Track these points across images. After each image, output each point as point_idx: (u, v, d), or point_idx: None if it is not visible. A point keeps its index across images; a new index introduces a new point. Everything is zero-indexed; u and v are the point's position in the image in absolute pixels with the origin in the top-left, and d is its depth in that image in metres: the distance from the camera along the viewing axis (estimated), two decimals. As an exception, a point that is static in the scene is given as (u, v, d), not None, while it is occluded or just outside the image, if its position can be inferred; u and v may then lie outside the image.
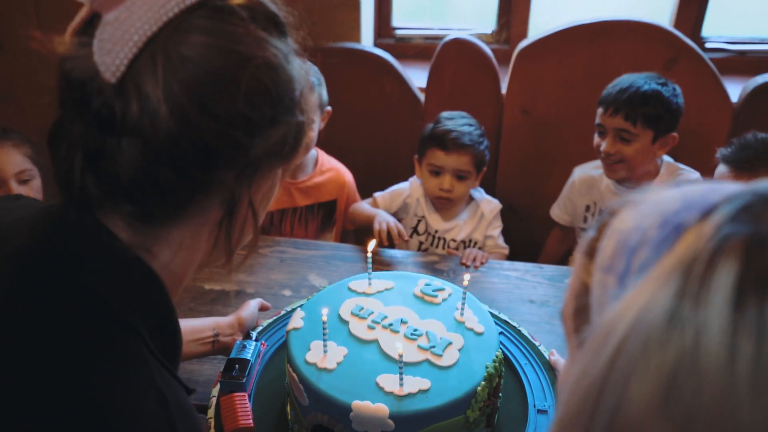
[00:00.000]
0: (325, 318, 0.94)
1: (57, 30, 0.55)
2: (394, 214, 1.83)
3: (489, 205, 1.79)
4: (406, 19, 2.25)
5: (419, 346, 0.96)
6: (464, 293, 1.05)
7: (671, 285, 0.30)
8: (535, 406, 1.05)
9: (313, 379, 0.91)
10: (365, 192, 1.96)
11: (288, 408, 1.04)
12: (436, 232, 1.78)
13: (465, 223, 1.77)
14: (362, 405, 0.87)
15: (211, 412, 1.04)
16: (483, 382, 0.92)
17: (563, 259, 2.00)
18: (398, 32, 2.23)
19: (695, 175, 1.72)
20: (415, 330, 0.99)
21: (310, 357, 0.94)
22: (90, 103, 0.54)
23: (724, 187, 0.35)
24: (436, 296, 1.08)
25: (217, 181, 0.59)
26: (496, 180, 2.03)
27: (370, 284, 1.11)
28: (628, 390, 0.28)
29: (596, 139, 1.68)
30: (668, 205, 0.36)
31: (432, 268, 1.55)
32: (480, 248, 1.76)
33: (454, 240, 1.77)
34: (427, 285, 1.10)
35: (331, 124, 2.02)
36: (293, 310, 1.25)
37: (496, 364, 0.95)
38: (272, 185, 0.68)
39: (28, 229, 0.60)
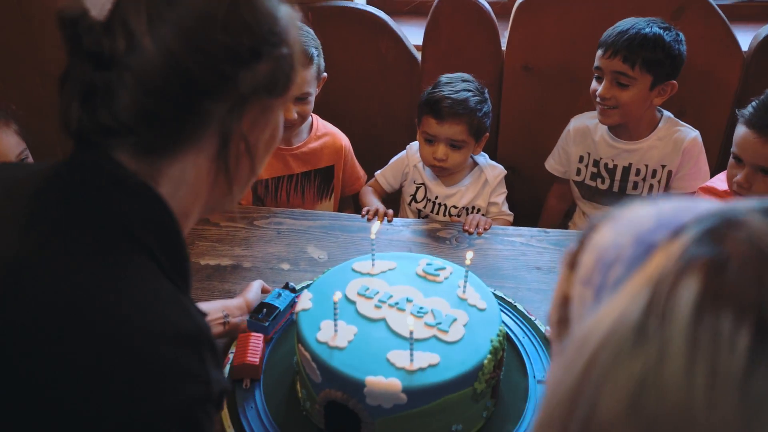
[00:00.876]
0: (336, 299, 0.97)
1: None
2: (401, 188, 1.79)
3: (493, 170, 1.73)
4: (400, -27, 2.15)
5: (426, 323, 1.00)
6: (467, 272, 1.08)
7: (640, 301, 0.32)
8: (534, 377, 1.10)
9: (325, 357, 0.94)
10: (364, 157, 1.91)
11: (298, 386, 1.07)
12: (437, 198, 1.72)
13: (467, 189, 1.71)
14: (375, 380, 0.91)
15: (233, 347, 1.13)
16: (489, 356, 0.96)
17: (564, 219, 1.95)
18: (392, -13, 2.13)
19: (694, 133, 1.66)
20: (421, 308, 1.03)
21: (321, 336, 0.97)
22: (82, 40, 0.58)
23: (697, 206, 0.38)
24: (438, 275, 1.11)
25: (207, 113, 0.62)
26: (497, 139, 1.97)
27: (373, 265, 1.13)
28: (599, 398, 0.32)
29: (593, 84, 1.62)
30: (643, 223, 0.38)
31: (434, 236, 1.50)
32: (483, 215, 1.71)
33: (455, 206, 1.71)
34: (428, 264, 1.13)
35: (325, 87, 1.95)
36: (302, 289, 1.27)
37: (500, 338, 1.00)
38: (271, 125, 0.70)
39: (42, 172, 0.65)
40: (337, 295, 0.98)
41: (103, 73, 0.58)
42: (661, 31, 1.54)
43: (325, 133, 1.76)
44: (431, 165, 1.66)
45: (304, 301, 1.05)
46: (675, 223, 0.36)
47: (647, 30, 1.53)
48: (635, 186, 1.73)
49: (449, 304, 1.04)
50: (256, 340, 1.12)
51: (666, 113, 1.69)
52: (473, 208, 1.72)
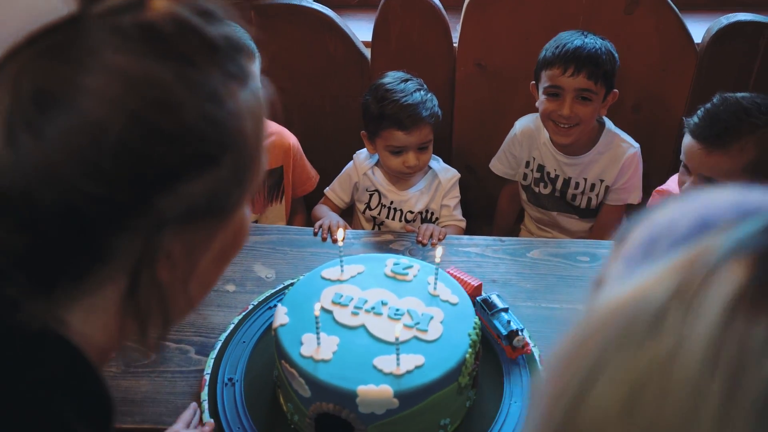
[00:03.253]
0: (317, 312, 0.97)
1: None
2: (353, 200, 1.74)
3: (446, 173, 1.69)
4: (348, -36, 2.07)
5: (405, 325, 1.01)
6: (436, 269, 1.10)
7: (669, 284, 0.27)
8: (505, 359, 1.14)
9: (313, 371, 0.95)
10: (315, 158, 1.84)
11: (282, 400, 1.08)
12: (392, 203, 1.67)
13: (422, 194, 1.66)
14: (367, 389, 0.92)
15: (204, 394, 1.10)
16: (469, 350, 0.99)
17: (517, 222, 1.92)
18: (340, -20, 2.05)
19: (633, 149, 1.63)
20: (397, 309, 1.04)
21: (305, 350, 0.98)
22: None
23: None
24: (406, 274, 1.12)
25: (104, 247, 0.47)
26: (452, 138, 1.92)
27: (342, 271, 1.13)
28: (594, 385, 0.27)
29: (546, 104, 1.56)
30: (716, 204, 0.33)
31: (387, 249, 1.45)
32: (437, 218, 1.67)
33: (411, 211, 1.66)
34: (396, 264, 1.14)
35: (273, 85, 1.86)
36: (260, 304, 1.26)
37: (476, 330, 1.03)
38: (221, 239, 0.53)
39: None
40: (317, 308, 0.98)
41: None
42: (605, 42, 1.54)
43: (270, 133, 1.67)
44: (401, 173, 1.61)
45: (281, 316, 1.04)
46: (747, 208, 0.31)
47: (598, 44, 1.52)
48: (573, 198, 1.71)
49: (423, 303, 1.06)
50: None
51: (607, 124, 1.65)
52: (428, 212, 1.67)
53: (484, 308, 1.14)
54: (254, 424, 1.04)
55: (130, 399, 1.13)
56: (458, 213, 1.69)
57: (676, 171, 1.49)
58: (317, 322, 0.97)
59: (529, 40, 1.73)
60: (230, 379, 1.12)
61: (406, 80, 1.58)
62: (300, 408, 1.00)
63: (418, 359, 0.96)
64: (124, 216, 0.46)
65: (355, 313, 1.04)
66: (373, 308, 1.05)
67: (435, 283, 1.10)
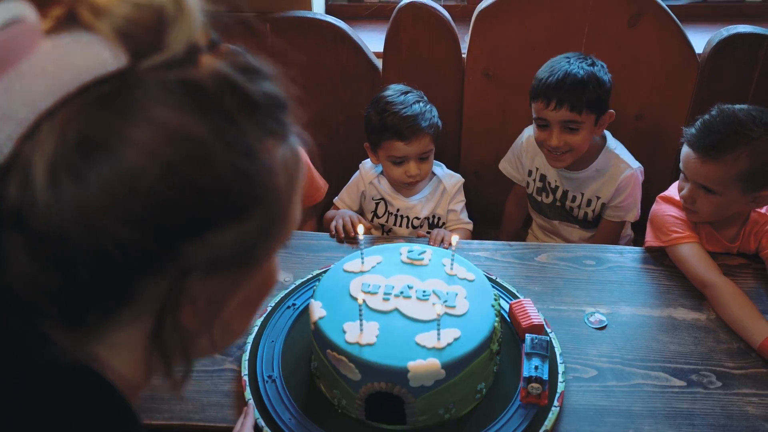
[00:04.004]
0: (360, 302, 1.07)
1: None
2: (361, 208, 1.79)
3: (451, 179, 1.74)
4: (358, -24, 2.13)
5: (434, 304, 1.11)
6: (453, 254, 1.22)
7: None
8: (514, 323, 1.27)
9: (362, 355, 1.04)
10: (326, 167, 1.89)
11: (324, 389, 1.16)
12: (398, 211, 1.72)
13: (427, 200, 1.72)
14: (416, 364, 1.02)
15: (248, 393, 1.16)
16: (496, 318, 1.12)
17: (525, 226, 1.97)
18: (351, -8, 2.11)
19: (630, 170, 1.66)
20: (424, 291, 1.15)
21: (350, 337, 1.06)
22: None
23: None
24: (422, 258, 1.23)
25: (133, 290, 0.48)
26: (460, 147, 1.97)
27: (363, 262, 1.22)
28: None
29: (537, 132, 1.62)
30: None
31: (400, 253, 1.50)
32: (443, 223, 1.72)
33: (417, 218, 1.72)
34: (410, 251, 1.25)
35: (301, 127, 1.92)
36: (277, 305, 1.34)
37: (497, 301, 1.16)
38: (247, 287, 0.55)
39: None
40: (360, 297, 1.08)
41: None
42: (591, 68, 1.55)
43: None
44: (404, 182, 1.66)
45: (318, 310, 1.12)
46: None
47: (581, 73, 1.54)
48: (572, 210, 1.76)
49: (444, 282, 1.18)
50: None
51: (608, 142, 1.69)
52: (434, 217, 1.73)
53: (530, 345, 1.17)
54: (304, 413, 1.12)
55: (159, 397, 1.18)
56: (465, 216, 1.75)
57: (677, 178, 1.54)
58: (360, 310, 1.06)
59: (535, 51, 1.78)
60: (269, 377, 1.18)
61: (406, 92, 1.63)
62: (348, 392, 1.09)
63: (455, 332, 1.07)
64: (152, 261, 0.47)
65: (386, 299, 1.14)
66: (401, 292, 1.15)
67: (452, 264, 1.21)
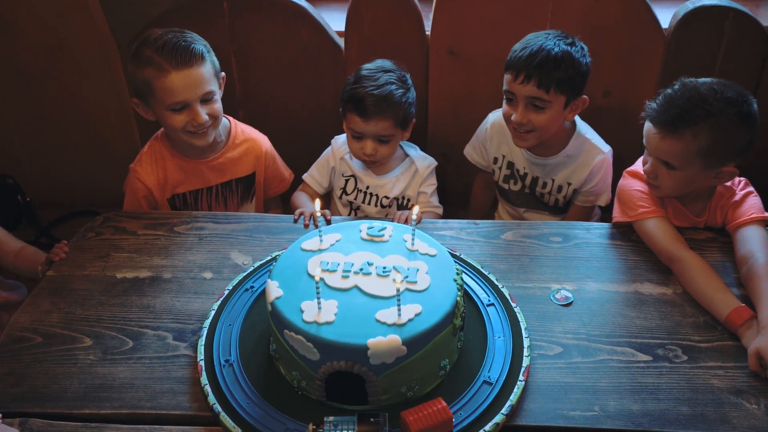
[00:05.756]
0: (318, 278, 1.04)
1: None
2: (331, 185, 1.76)
3: (424, 161, 1.71)
4: (320, -45, 2.07)
5: (394, 280, 1.08)
6: (413, 229, 1.20)
7: None
8: (482, 302, 1.25)
9: (321, 334, 1.01)
10: (291, 151, 1.85)
11: (283, 371, 1.12)
12: (368, 188, 1.69)
13: (398, 179, 1.68)
14: (377, 341, 0.99)
15: (203, 379, 1.12)
16: (459, 293, 1.10)
17: (492, 208, 1.94)
18: (312, -29, 2.05)
19: (602, 154, 1.62)
20: (384, 267, 1.12)
21: (307, 317, 1.03)
22: None
23: None
24: (382, 235, 1.21)
25: None
26: (427, 127, 1.93)
27: (321, 240, 1.19)
28: None
29: (504, 107, 1.58)
30: None
31: (362, 234, 1.46)
32: (413, 205, 1.68)
33: (387, 197, 1.68)
34: (370, 228, 1.22)
35: (247, 82, 1.87)
36: (235, 288, 1.30)
37: (459, 275, 1.14)
38: None
39: None
40: (317, 273, 1.05)
41: None
42: (568, 48, 1.50)
43: (244, 140, 1.68)
44: (361, 159, 1.63)
45: (274, 290, 1.09)
46: None
47: (556, 50, 1.48)
48: (542, 196, 1.72)
49: (405, 258, 1.15)
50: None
51: (578, 127, 1.65)
52: (404, 198, 1.69)
53: None
54: (262, 397, 1.09)
55: (108, 385, 1.13)
56: (435, 200, 1.71)
57: (644, 153, 1.52)
58: (318, 288, 1.03)
59: (500, 27, 1.75)
60: (227, 361, 1.14)
61: (387, 71, 1.59)
62: (308, 372, 1.06)
63: (416, 308, 1.05)
64: None
65: (345, 276, 1.11)
66: (361, 269, 1.12)
67: (413, 240, 1.19)
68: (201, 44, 1.50)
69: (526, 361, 1.14)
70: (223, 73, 1.59)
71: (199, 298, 1.30)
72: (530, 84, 1.48)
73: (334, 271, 1.12)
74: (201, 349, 1.18)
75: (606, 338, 1.21)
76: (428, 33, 1.79)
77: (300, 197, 1.73)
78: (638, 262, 1.38)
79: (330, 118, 1.84)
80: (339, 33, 1.84)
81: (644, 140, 1.38)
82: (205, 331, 1.21)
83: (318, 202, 1.26)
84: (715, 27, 1.70)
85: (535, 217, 1.77)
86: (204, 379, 1.12)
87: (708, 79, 1.35)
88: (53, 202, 2.10)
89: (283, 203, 1.85)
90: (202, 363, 1.15)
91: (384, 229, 1.22)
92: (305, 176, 1.77)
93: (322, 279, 1.10)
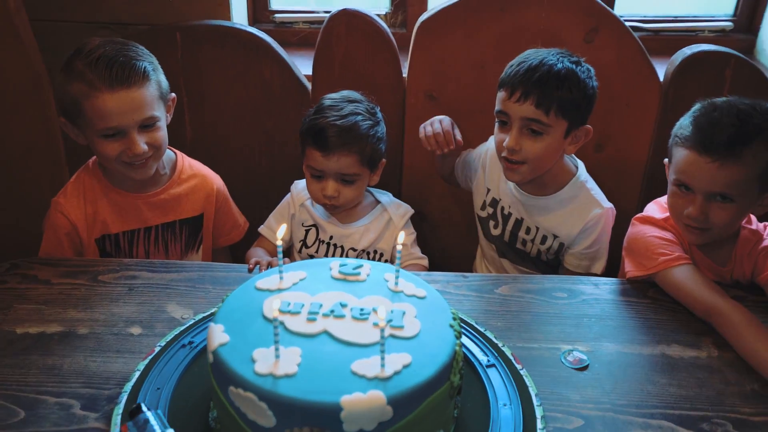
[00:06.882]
0: (276, 314, 0.78)
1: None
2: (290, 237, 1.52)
3: (398, 209, 1.49)
4: (287, 2, 1.93)
5: (375, 324, 0.85)
6: (398, 265, 0.96)
7: None
8: (481, 363, 1.02)
9: (279, 389, 0.75)
10: (246, 202, 1.61)
11: None
12: (331, 238, 1.45)
13: (367, 230, 1.45)
14: (354, 399, 0.74)
15: None
16: (457, 341, 0.86)
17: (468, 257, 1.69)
18: (278, 16, 1.90)
19: (601, 210, 1.41)
20: (362, 309, 0.88)
21: (260, 368, 0.78)
22: None
23: None
24: (358, 273, 0.97)
25: None
26: (401, 179, 1.73)
27: (281, 278, 0.94)
28: None
29: (496, 132, 1.37)
30: None
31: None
32: (386, 261, 1.45)
33: (353, 249, 1.45)
34: (343, 266, 0.98)
35: (200, 120, 1.66)
36: (168, 345, 1.03)
37: (457, 321, 0.90)
38: None
39: None
40: (273, 311, 0.79)
41: None
42: (573, 66, 1.31)
43: (191, 175, 1.45)
44: (321, 203, 1.41)
45: (218, 335, 0.83)
46: None
47: (559, 66, 1.29)
48: (524, 243, 1.49)
49: (388, 300, 0.91)
50: None
51: (580, 173, 1.45)
52: (375, 252, 1.46)
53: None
54: None
55: (-18, 469, 0.83)
56: (417, 251, 1.49)
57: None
58: (276, 329, 0.78)
59: (484, 70, 1.59)
60: None
61: (352, 101, 1.40)
62: None
63: (405, 358, 0.80)
64: None
65: (311, 320, 0.86)
66: (332, 311, 0.87)
67: (396, 280, 0.95)
68: (146, 60, 1.28)
69: (541, 438, 0.89)
70: (172, 95, 1.37)
71: (122, 358, 1.02)
72: (527, 102, 1.29)
73: (298, 313, 0.87)
74: (116, 419, 0.89)
75: (636, 409, 0.97)
76: (405, 75, 1.62)
77: (256, 253, 1.48)
78: (660, 321, 1.16)
79: (293, 169, 1.62)
80: (307, 77, 1.65)
81: (681, 177, 1.17)
82: (124, 397, 0.93)
83: (283, 228, 1.00)
84: (717, 74, 1.58)
85: (517, 272, 1.54)
86: None
87: (730, 98, 1.19)
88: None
89: (236, 260, 1.59)
90: None
91: (360, 267, 0.98)
92: (261, 228, 1.53)
93: (281, 322, 0.84)
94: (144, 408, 0.88)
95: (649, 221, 1.27)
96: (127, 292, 1.18)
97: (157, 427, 0.85)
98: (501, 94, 1.34)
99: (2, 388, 0.96)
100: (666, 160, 1.25)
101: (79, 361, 1.01)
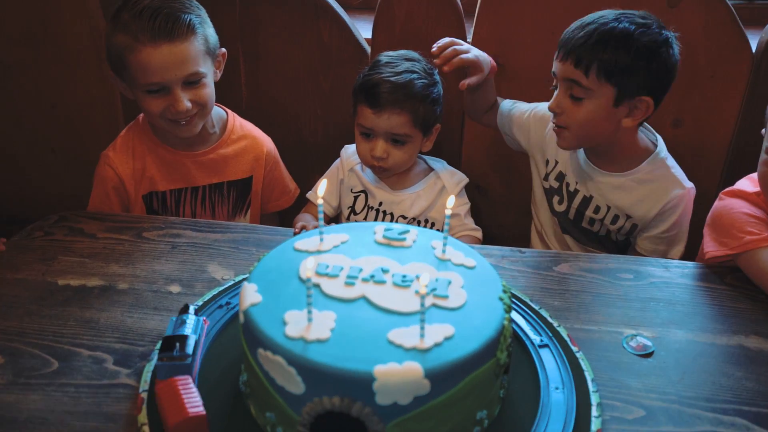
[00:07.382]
0: (309, 274, 0.73)
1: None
2: (340, 204, 1.47)
3: (452, 177, 1.42)
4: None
5: (417, 292, 0.78)
6: (446, 234, 0.89)
7: None
8: (533, 342, 0.94)
9: (309, 354, 0.70)
10: (298, 169, 1.57)
11: (254, 413, 0.81)
12: (381, 204, 1.39)
13: (419, 197, 1.39)
14: (388, 369, 0.68)
15: (142, 417, 0.80)
16: (506, 315, 0.79)
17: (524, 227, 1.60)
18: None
19: (682, 190, 1.30)
20: (404, 276, 0.82)
21: (292, 331, 0.73)
22: None
23: None
24: (404, 239, 0.91)
25: None
26: (461, 153, 1.65)
27: (322, 240, 0.90)
28: None
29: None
30: None
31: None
32: (438, 230, 1.38)
33: (404, 216, 1.38)
34: (387, 230, 0.92)
35: (255, 82, 1.62)
36: (206, 304, 1.00)
37: (507, 294, 0.83)
38: None
39: None
40: (305, 272, 0.75)
41: None
42: (632, 27, 1.17)
43: (242, 136, 1.41)
44: (370, 165, 1.35)
45: (251, 294, 0.79)
46: None
47: (613, 24, 1.17)
48: (591, 222, 1.38)
49: (433, 267, 0.85)
50: (186, 384, 0.80)
51: (660, 149, 1.33)
52: (426, 220, 1.39)
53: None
54: None
55: (11, 418, 0.81)
56: (470, 222, 1.41)
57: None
58: (309, 291, 0.73)
59: (555, 36, 1.47)
60: None
61: (409, 59, 1.34)
62: (287, 414, 0.74)
63: (447, 329, 0.74)
64: None
65: (350, 284, 0.81)
66: (372, 276, 0.82)
67: (444, 247, 0.88)
68: (193, 13, 1.24)
69: (596, 424, 0.81)
70: (222, 50, 1.33)
71: (159, 315, 0.99)
72: (567, 62, 1.19)
73: (336, 276, 0.82)
74: (147, 376, 0.86)
75: (706, 403, 0.87)
76: (470, 40, 1.54)
77: (304, 218, 1.43)
78: (739, 309, 1.05)
79: (349, 135, 1.57)
80: (367, 40, 1.59)
81: None
82: (156, 354, 0.89)
83: (324, 184, 0.95)
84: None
85: (581, 251, 1.43)
86: (143, 417, 0.80)
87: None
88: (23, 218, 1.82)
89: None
90: (144, 396, 0.83)
91: (406, 232, 0.92)
92: (309, 194, 1.49)
93: (317, 284, 0.79)
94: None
95: (739, 195, 1.15)
96: (170, 250, 1.15)
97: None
98: (555, 55, 1.26)
99: (39, 338, 0.95)
100: (764, 130, 1.13)
101: (116, 316, 0.99)
